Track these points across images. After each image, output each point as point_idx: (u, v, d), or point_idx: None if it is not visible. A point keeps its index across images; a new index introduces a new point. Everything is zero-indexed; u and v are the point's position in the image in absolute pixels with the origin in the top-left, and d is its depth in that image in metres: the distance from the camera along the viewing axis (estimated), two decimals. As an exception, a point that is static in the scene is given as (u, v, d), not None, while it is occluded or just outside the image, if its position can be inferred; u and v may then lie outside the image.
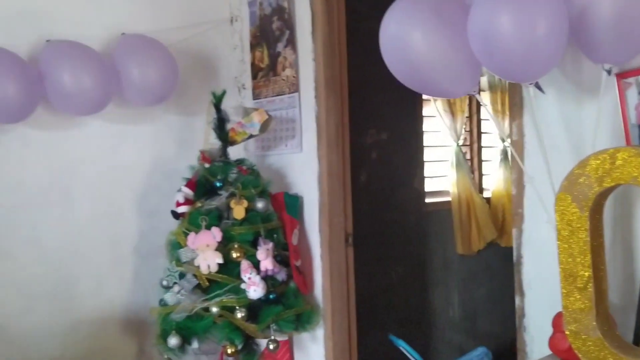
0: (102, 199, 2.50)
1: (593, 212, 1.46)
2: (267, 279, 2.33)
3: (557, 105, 1.80)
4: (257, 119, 2.44)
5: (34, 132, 2.32)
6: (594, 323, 1.48)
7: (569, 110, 1.79)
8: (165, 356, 2.33)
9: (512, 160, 2.15)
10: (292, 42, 2.58)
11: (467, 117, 3.94)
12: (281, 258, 2.43)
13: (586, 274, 1.47)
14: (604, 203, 1.51)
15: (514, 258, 1.96)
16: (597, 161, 1.43)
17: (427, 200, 3.70)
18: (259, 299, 2.29)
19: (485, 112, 4.08)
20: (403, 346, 3.00)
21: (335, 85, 2.52)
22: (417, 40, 1.59)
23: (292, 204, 2.53)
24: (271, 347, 2.30)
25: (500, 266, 4.07)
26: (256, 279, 2.28)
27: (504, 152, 4.09)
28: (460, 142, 3.84)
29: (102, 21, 2.46)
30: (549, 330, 1.70)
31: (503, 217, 4.01)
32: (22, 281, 2.31)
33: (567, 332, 1.52)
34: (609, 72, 1.55)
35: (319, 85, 2.50)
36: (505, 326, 3.98)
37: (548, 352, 1.72)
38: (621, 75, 1.63)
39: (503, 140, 4.09)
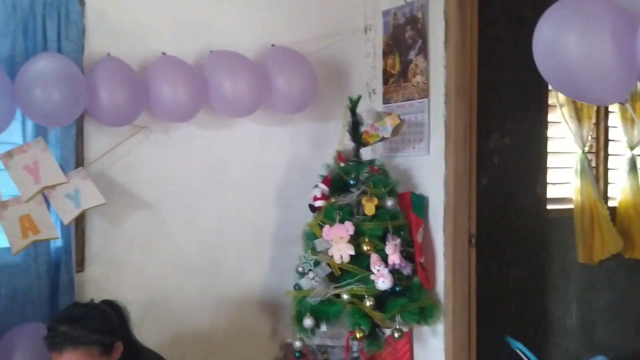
0: (247, 191, 2.79)
1: None
2: (394, 272, 2.49)
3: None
4: (390, 122, 2.61)
5: (196, 130, 2.65)
6: None
7: None
8: (298, 336, 2.57)
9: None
10: (423, 50, 2.73)
11: (594, 123, 3.87)
12: (407, 254, 2.58)
13: None
14: None
15: (646, 267, 1.99)
16: None
17: (549, 206, 3.68)
18: (386, 290, 2.46)
19: (614, 119, 3.98)
20: (520, 348, 3.06)
21: (464, 91, 2.63)
22: (575, 47, 1.62)
23: (418, 204, 2.68)
24: (396, 335, 2.46)
25: (622, 277, 3.96)
26: (384, 271, 2.46)
27: (632, 161, 3.96)
28: (586, 149, 3.78)
29: (253, 33, 2.74)
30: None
31: (629, 227, 3.89)
32: (181, 259, 2.65)
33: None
34: None
35: (449, 91, 2.62)
36: (624, 337, 3.88)
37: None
38: None
39: (632, 149, 3.97)
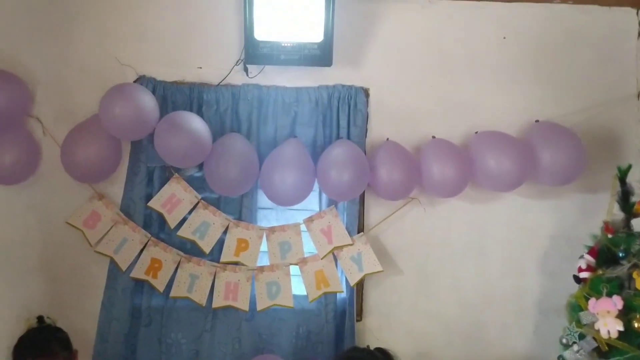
0: (509, 257, 2.91)
1: None
2: (671, 354, 2.32)
3: None
4: (665, 194, 2.48)
5: (459, 203, 2.88)
6: None
7: None
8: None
9: None
10: None
11: None
12: (689, 336, 2.38)
13: None
14: None
15: None
16: None
17: None
18: (661, 372, 2.31)
19: None
20: None
21: None
22: None
23: (701, 281, 2.45)
24: None
25: None
26: (659, 352, 2.31)
27: None
28: None
29: (517, 109, 2.90)
30: None
31: None
32: (445, 319, 2.88)
33: None
34: None
35: None
36: None
37: None
38: None
39: None
